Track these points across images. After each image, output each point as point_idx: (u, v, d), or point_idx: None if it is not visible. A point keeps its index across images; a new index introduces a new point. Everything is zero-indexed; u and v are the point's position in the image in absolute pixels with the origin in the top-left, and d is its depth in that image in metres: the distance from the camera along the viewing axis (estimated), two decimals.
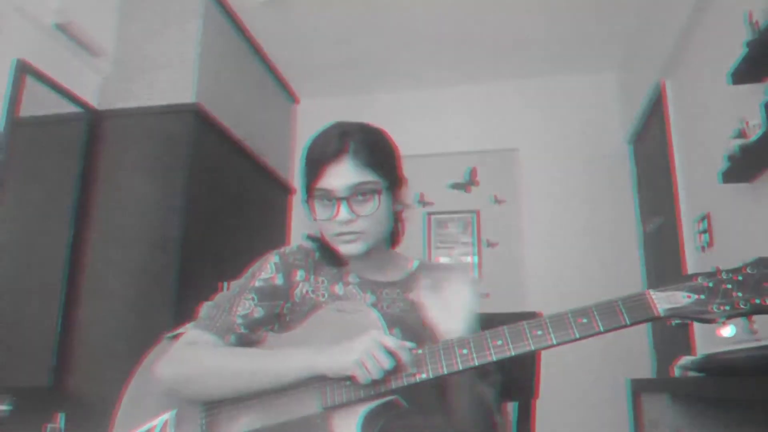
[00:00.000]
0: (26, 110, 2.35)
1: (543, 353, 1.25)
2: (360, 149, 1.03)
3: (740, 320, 0.86)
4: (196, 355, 1.01)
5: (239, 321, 1.06)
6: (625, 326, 0.87)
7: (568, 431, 3.12)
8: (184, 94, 2.77)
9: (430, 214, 3.87)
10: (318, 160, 1.04)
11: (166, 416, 1.03)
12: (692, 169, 2.62)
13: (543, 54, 3.60)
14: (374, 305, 1.07)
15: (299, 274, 1.11)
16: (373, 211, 1.03)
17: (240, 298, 1.08)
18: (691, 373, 1.65)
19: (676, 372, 1.77)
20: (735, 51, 1.88)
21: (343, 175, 1.02)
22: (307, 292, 1.09)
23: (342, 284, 1.11)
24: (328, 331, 0.99)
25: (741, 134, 1.94)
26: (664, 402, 1.72)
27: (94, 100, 2.79)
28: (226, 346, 1.03)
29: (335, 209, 1.03)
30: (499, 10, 3.18)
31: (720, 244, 2.34)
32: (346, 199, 1.02)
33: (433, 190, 3.89)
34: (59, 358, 2.47)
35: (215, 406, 1.01)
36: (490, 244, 3.75)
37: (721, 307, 0.85)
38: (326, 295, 1.09)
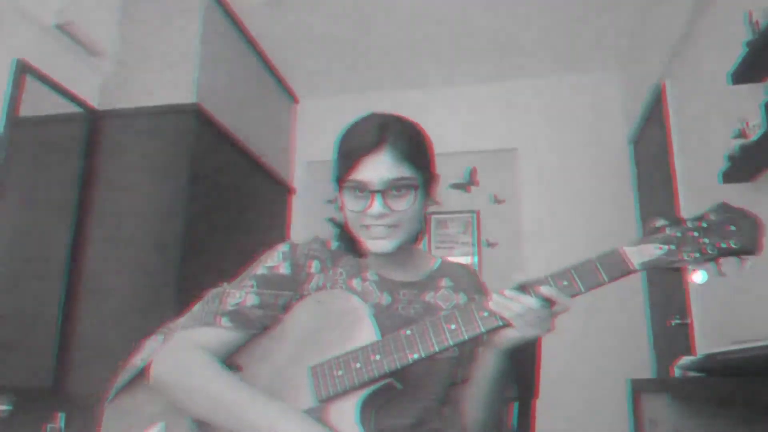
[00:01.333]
0: (26, 110, 2.35)
1: (543, 354, 1.25)
2: (399, 143, 0.99)
3: (710, 265, 0.89)
4: (190, 366, 0.95)
5: (230, 309, 1.00)
6: (604, 283, 0.90)
7: (568, 431, 3.12)
8: (184, 94, 2.77)
9: (430, 214, 3.86)
10: (354, 152, 0.99)
11: (154, 429, 0.99)
12: (692, 169, 2.62)
13: (543, 54, 3.60)
14: (390, 306, 1.05)
15: (314, 266, 1.06)
16: (408, 207, 1.01)
17: (236, 287, 1.02)
18: (691, 373, 1.65)
19: (676, 372, 1.77)
20: (735, 51, 1.87)
21: (379, 168, 0.98)
22: (324, 284, 1.05)
23: (360, 279, 1.07)
24: (304, 321, 0.99)
25: (741, 134, 1.93)
26: (664, 402, 1.71)
27: (94, 100, 2.79)
28: (219, 369, 0.95)
29: (369, 201, 0.99)
30: (499, 10, 3.18)
31: None
32: (382, 192, 0.98)
33: None
34: (59, 358, 2.47)
35: None
36: (490, 244, 3.74)
37: (691, 255, 0.88)
38: (344, 289, 1.05)
